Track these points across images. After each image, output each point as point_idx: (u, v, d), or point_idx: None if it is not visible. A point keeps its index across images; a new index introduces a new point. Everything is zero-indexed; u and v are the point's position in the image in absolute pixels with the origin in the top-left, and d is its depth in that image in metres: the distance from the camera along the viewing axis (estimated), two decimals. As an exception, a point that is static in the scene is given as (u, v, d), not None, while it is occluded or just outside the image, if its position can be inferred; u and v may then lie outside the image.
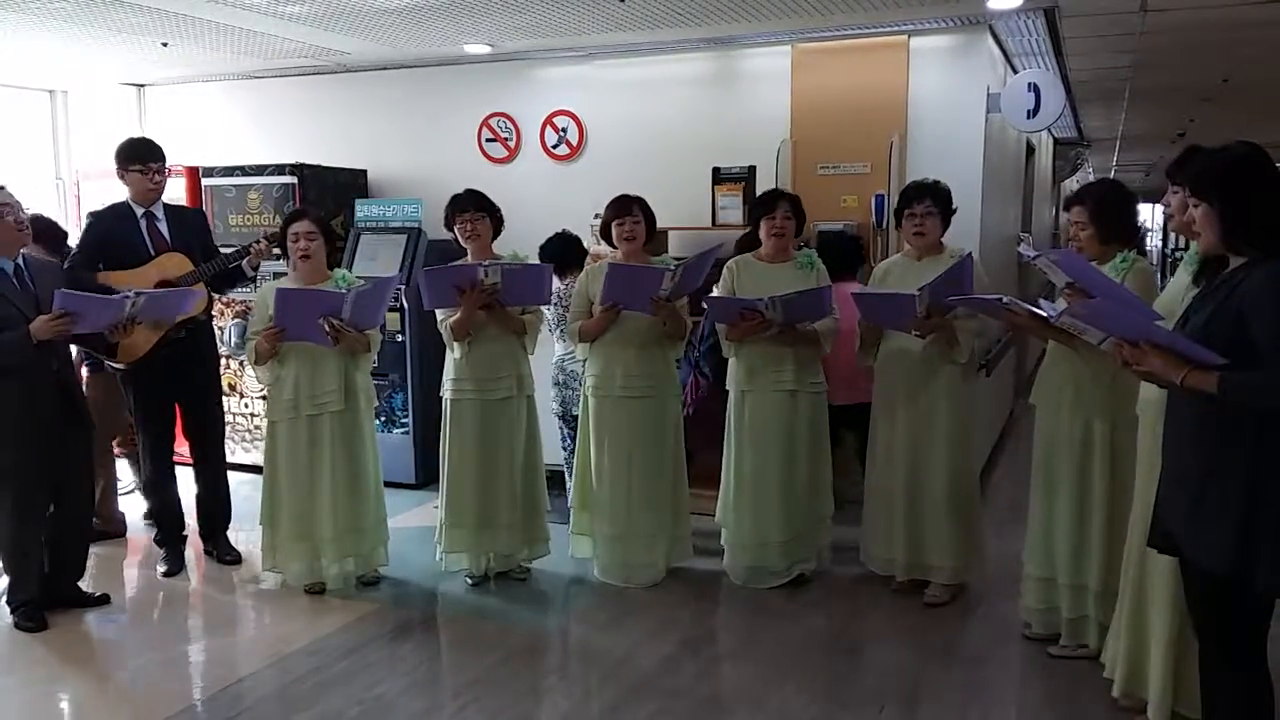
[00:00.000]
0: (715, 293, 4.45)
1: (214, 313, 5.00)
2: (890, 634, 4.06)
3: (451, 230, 4.43)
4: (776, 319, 4.15)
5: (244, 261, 4.66)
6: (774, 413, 4.33)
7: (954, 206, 4.27)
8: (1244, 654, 2.51)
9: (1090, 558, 3.60)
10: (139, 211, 4.60)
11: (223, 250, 4.82)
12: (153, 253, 4.57)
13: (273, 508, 4.42)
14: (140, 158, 4.57)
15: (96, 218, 4.67)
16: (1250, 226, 2.40)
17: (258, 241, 4.64)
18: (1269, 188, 2.42)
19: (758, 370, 4.34)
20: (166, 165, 4.67)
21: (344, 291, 4.18)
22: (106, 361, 4.69)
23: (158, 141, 4.73)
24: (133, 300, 3.92)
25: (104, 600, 4.35)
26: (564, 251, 5.22)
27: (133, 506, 5.46)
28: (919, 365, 4.15)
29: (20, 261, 4.00)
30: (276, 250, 4.54)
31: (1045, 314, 3.08)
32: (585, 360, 4.54)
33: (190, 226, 4.77)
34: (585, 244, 5.41)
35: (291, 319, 4.15)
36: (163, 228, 4.64)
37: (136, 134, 4.79)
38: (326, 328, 4.13)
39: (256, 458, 6.50)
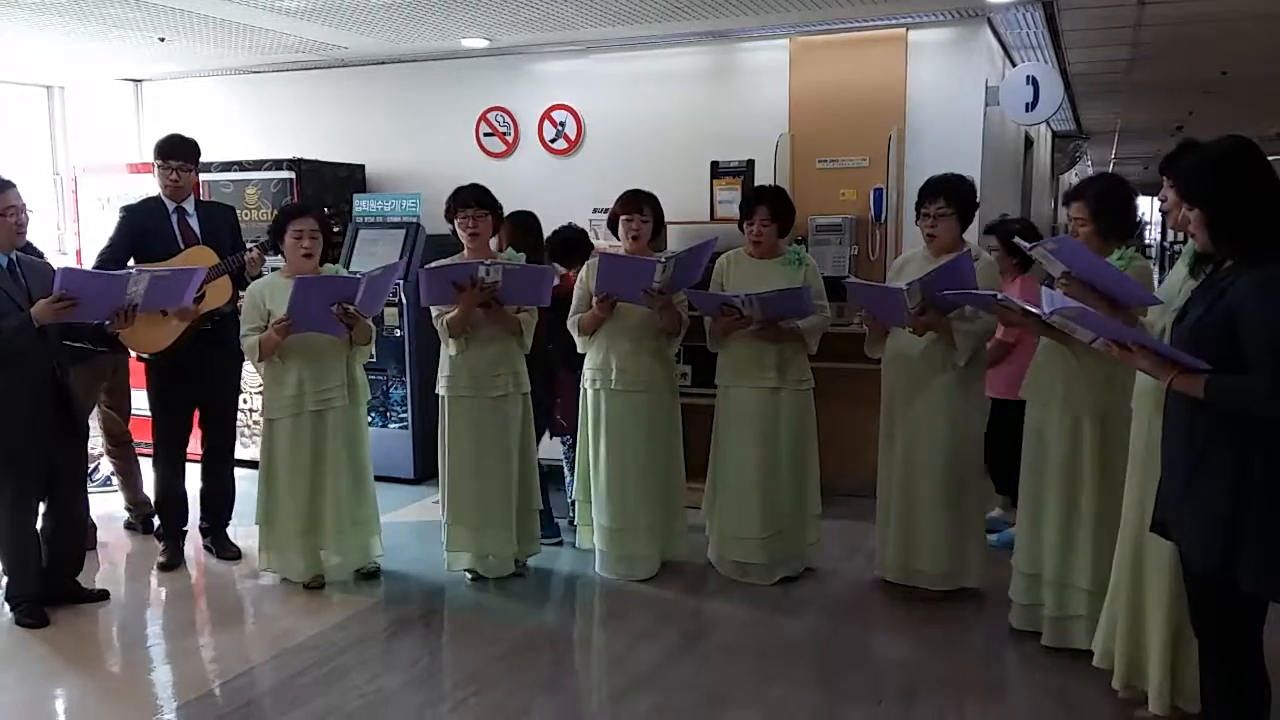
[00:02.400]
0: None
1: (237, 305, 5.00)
2: (888, 628, 4.07)
3: (451, 223, 4.41)
4: (755, 315, 4.14)
5: (246, 274, 4.66)
6: (756, 409, 4.32)
7: (977, 201, 4.17)
8: (1238, 648, 2.52)
9: (1079, 556, 3.57)
10: (170, 206, 4.65)
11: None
12: (182, 246, 4.61)
13: (269, 507, 4.40)
14: (160, 154, 4.63)
15: (129, 211, 4.71)
16: (1237, 229, 2.37)
17: (249, 250, 4.60)
18: (1256, 186, 2.38)
19: (741, 367, 4.33)
20: (189, 163, 4.68)
21: (358, 276, 4.17)
22: (136, 353, 4.68)
23: (193, 140, 4.72)
24: (134, 279, 3.88)
25: (103, 596, 4.35)
26: (569, 245, 5.21)
27: (114, 507, 5.44)
28: (917, 369, 4.09)
29: (14, 257, 3.99)
30: (270, 254, 4.53)
31: (1039, 311, 3.07)
32: (584, 354, 4.54)
33: (220, 222, 4.79)
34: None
35: (308, 308, 4.11)
36: (193, 222, 4.68)
37: (174, 132, 4.78)
38: (340, 314, 4.12)
39: (255, 453, 6.49)
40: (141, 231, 4.60)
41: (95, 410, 5.13)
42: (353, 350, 4.39)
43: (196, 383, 4.71)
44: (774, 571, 4.42)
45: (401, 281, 5.83)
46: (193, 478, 4.91)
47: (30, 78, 7.58)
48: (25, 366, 3.91)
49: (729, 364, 4.38)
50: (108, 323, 4.00)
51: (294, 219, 4.32)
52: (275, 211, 6.11)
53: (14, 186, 3.99)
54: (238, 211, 6.25)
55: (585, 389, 4.52)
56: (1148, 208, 20.28)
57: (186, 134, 4.76)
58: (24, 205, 4.00)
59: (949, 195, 4.04)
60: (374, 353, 4.55)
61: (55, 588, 4.20)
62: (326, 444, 4.34)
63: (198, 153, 4.73)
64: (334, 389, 4.33)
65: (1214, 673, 2.60)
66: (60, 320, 3.88)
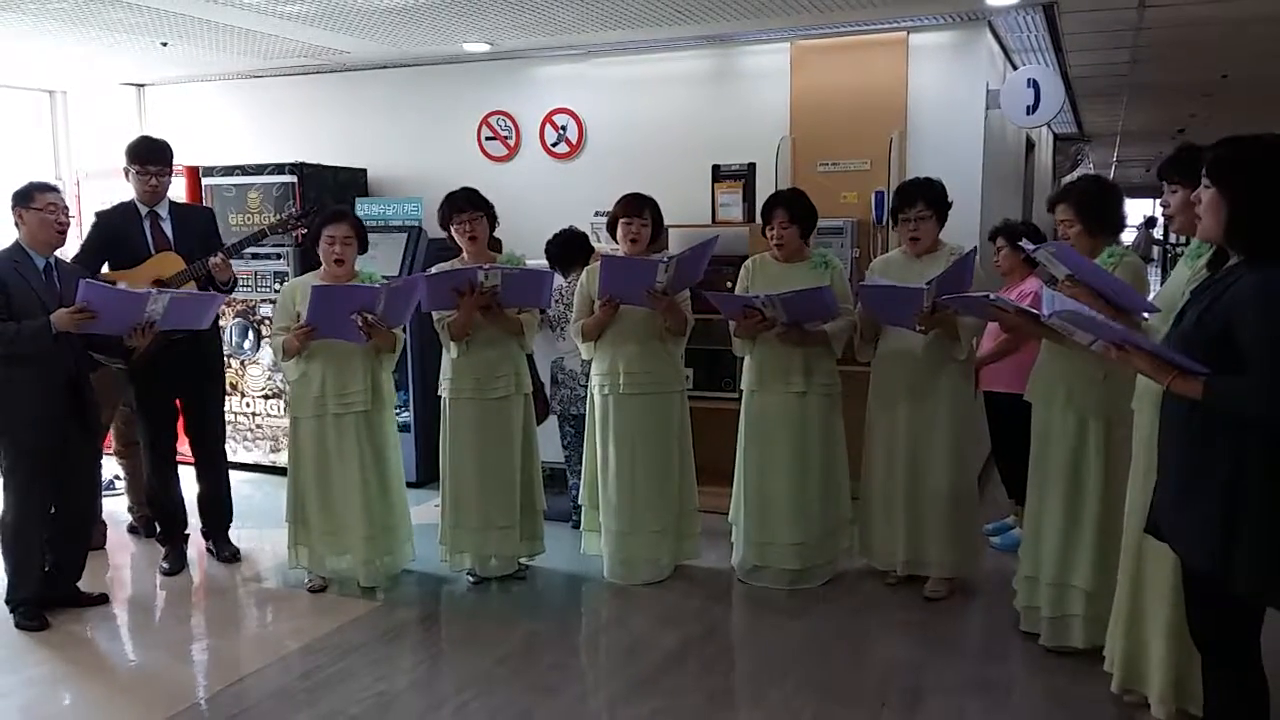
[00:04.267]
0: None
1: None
2: (892, 630, 4.06)
3: (447, 230, 4.41)
4: (778, 317, 4.14)
5: (216, 280, 4.63)
6: (782, 414, 4.31)
7: (950, 201, 4.22)
8: (1236, 651, 2.51)
9: (1080, 557, 3.58)
10: (143, 211, 4.62)
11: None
12: (153, 252, 4.57)
13: (298, 504, 4.42)
14: (138, 158, 4.58)
15: (101, 217, 4.69)
16: (1253, 224, 2.35)
17: (215, 255, 4.54)
18: None
19: (767, 371, 4.33)
20: (168, 167, 4.65)
21: (378, 287, 4.18)
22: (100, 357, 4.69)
23: (167, 143, 4.69)
24: (154, 298, 3.91)
25: (102, 600, 4.35)
26: (569, 248, 5.23)
27: (118, 508, 5.47)
28: (921, 363, 4.14)
29: (51, 261, 4.05)
30: (269, 247, 4.51)
31: (1037, 312, 3.08)
32: (589, 359, 4.54)
33: (195, 226, 4.75)
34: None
35: (326, 315, 4.13)
36: (166, 227, 4.64)
37: (144, 134, 4.76)
38: (360, 323, 4.13)
39: (258, 456, 6.53)
40: (114, 237, 4.57)
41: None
42: (378, 357, 4.40)
43: (175, 387, 4.70)
44: (802, 578, 4.39)
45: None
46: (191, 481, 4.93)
47: (33, 82, 7.59)
48: (43, 367, 3.95)
49: (755, 369, 4.38)
50: (126, 337, 4.03)
51: (327, 225, 4.32)
52: (276, 215, 6.15)
53: (58, 190, 4.06)
54: (241, 216, 6.33)
55: (592, 394, 4.52)
56: (1150, 208, 20.25)
57: (157, 136, 4.74)
58: (66, 207, 4.07)
59: (927, 198, 4.14)
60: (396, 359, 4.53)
61: (57, 591, 4.22)
62: (347, 447, 4.34)
63: (173, 156, 4.70)
64: (356, 393, 4.33)
65: (1214, 677, 2.59)
66: (78, 330, 3.91)
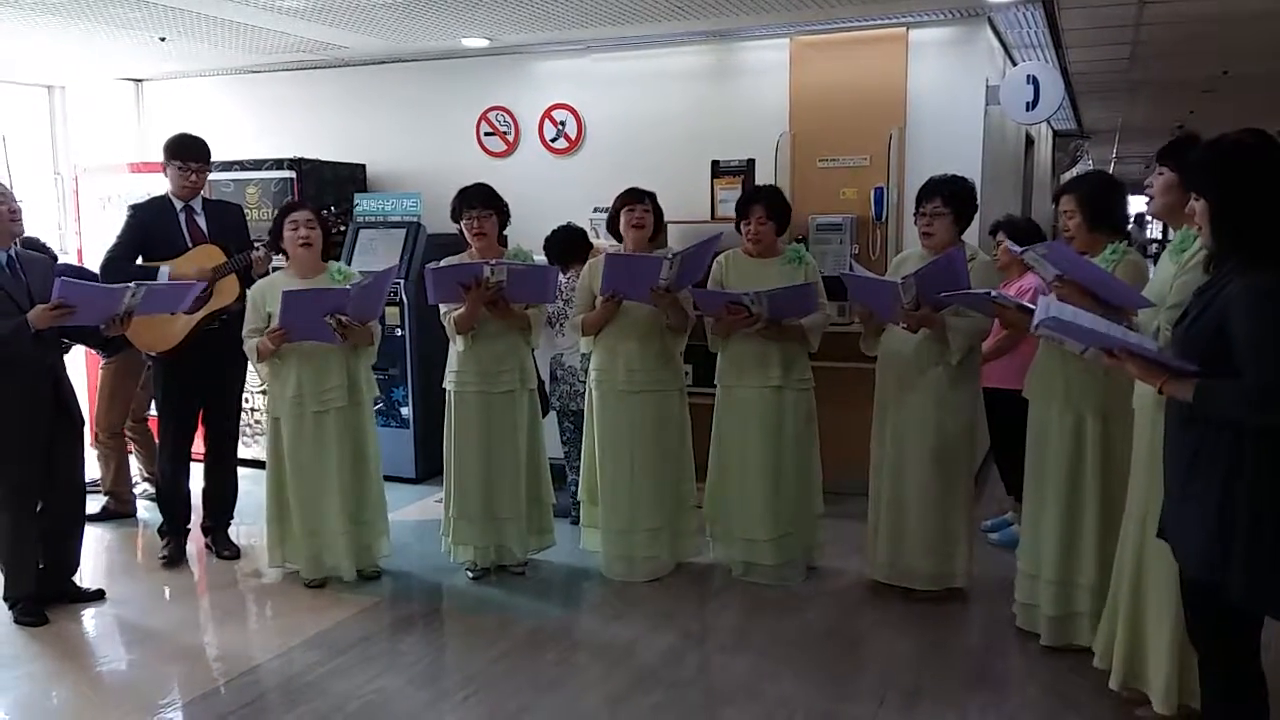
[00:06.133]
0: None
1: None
2: (889, 627, 4.06)
3: (458, 223, 4.42)
4: (762, 314, 4.15)
5: (252, 273, 4.68)
6: (760, 409, 4.30)
7: (975, 203, 4.15)
8: (1236, 653, 2.49)
9: (1082, 554, 3.57)
10: (179, 205, 4.67)
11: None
12: (190, 245, 4.63)
13: (279, 504, 4.43)
14: (179, 154, 4.65)
15: (137, 209, 4.74)
16: (1240, 227, 2.31)
17: (255, 249, 4.60)
18: (1266, 185, 2.30)
19: (744, 366, 4.33)
20: (206, 163, 4.73)
21: (347, 288, 4.20)
22: (145, 353, 4.78)
23: (205, 140, 4.75)
24: (132, 292, 3.92)
25: (99, 596, 4.35)
26: (568, 245, 5.22)
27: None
28: (908, 367, 4.09)
29: (12, 253, 4.02)
30: (275, 254, 4.55)
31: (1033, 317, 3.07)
32: (588, 354, 4.54)
33: (228, 221, 4.81)
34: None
35: (297, 320, 4.15)
36: (201, 221, 4.71)
37: (183, 131, 4.82)
38: (334, 324, 4.15)
39: (257, 452, 6.51)
40: (149, 231, 4.63)
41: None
42: (355, 352, 4.40)
43: (203, 381, 4.73)
44: (782, 573, 4.39)
45: (402, 281, 5.85)
46: (196, 477, 4.93)
47: (31, 77, 7.58)
48: (22, 367, 3.94)
49: (732, 364, 4.37)
50: (102, 326, 4.02)
51: (289, 213, 4.38)
52: (276, 211, 6.13)
53: (1, 184, 4.03)
54: (237, 211, 6.31)
55: (590, 389, 4.52)
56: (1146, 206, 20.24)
57: (194, 134, 4.78)
58: (10, 194, 4.04)
59: (945, 195, 4.07)
60: (375, 352, 4.55)
61: (53, 587, 4.22)
62: (329, 444, 4.35)
63: (210, 153, 4.77)
64: (333, 389, 4.34)
65: (1213, 677, 2.58)
66: (56, 325, 3.90)
